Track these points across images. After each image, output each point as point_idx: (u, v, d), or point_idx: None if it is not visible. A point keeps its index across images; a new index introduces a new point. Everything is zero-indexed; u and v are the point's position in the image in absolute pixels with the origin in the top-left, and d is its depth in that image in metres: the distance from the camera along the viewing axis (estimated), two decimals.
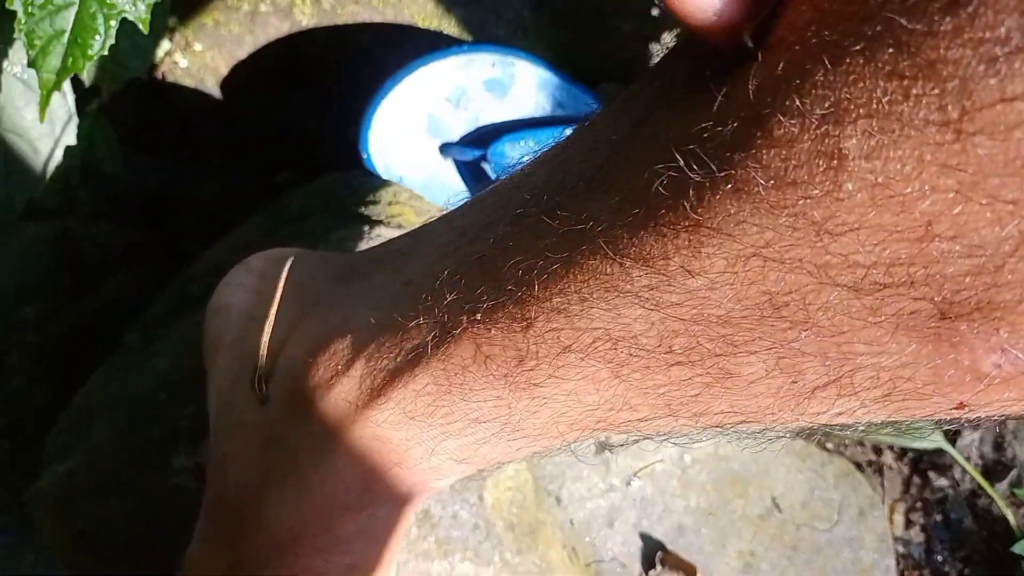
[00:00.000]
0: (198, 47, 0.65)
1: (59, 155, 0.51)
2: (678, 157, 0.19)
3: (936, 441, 0.60)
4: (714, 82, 0.19)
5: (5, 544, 0.52)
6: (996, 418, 0.21)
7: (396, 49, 0.62)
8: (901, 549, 0.64)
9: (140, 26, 0.41)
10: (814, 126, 0.17)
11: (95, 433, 0.42)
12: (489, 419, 0.27)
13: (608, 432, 0.26)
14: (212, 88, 0.68)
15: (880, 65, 0.16)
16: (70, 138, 0.51)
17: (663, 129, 0.21)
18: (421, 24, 0.63)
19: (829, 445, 0.63)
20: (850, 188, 0.17)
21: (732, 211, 0.18)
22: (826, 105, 0.17)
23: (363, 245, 0.45)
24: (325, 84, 0.67)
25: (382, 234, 0.46)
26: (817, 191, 0.17)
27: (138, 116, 0.72)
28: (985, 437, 0.67)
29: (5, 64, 0.48)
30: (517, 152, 0.56)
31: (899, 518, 0.65)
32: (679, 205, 0.19)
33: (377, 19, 0.62)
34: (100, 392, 0.44)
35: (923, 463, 0.66)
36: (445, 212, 0.30)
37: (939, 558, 0.65)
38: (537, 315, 0.24)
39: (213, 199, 0.73)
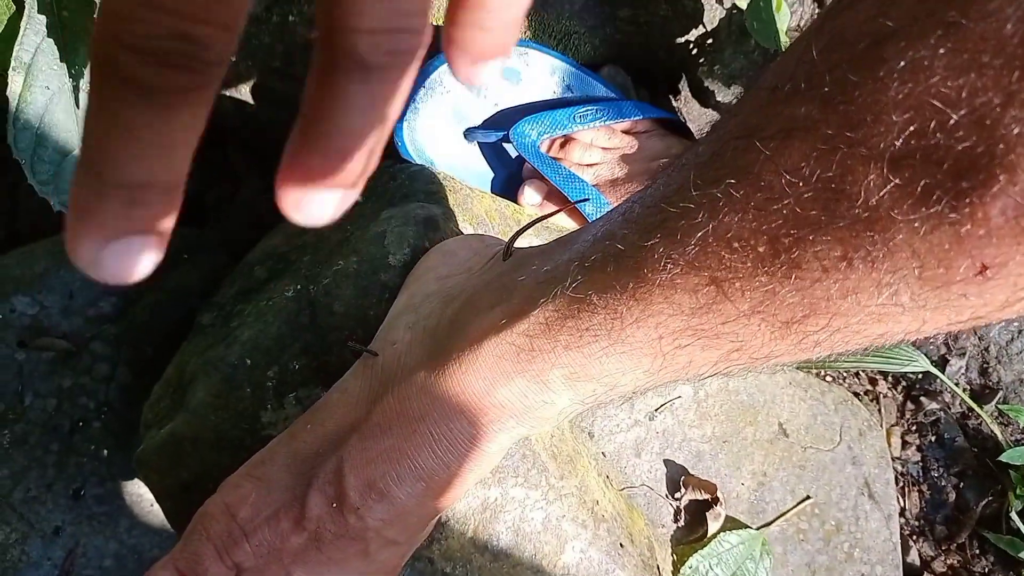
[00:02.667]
0: (233, 58, 0.71)
1: None
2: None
3: (922, 365, 0.66)
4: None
5: (105, 512, 0.59)
6: (1002, 319, 0.27)
7: None
8: (900, 468, 0.71)
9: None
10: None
11: (193, 397, 0.49)
12: (600, 330, 0.34)
13: (696, 345, 0.32)
14: (245, 96, 0.74)
15: None
16: None
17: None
18: (439, 23, 0.69)
19: (828, 378, 0.70)
20: (890, 82, 0.23)
21: (809, 107, 0.25)
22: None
23: (411, 222, 0.52)
24: None
25: (424, 210, 0.53)
26: (863, 95, 0.24)
27: None
28: (971, 364, 0.74)
29: (78, 80, 0.54)
30: (535, 131, 0.62)
31: (896, 440, 0.71)
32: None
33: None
34: (192, 363, 0.51)
35: (915, 390, 0.73)
36: (578, 231, 0.40)
37: (935, 474, 0.71)
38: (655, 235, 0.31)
39: (252, 199, 0.80)
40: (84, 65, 0.53)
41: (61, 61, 0.53)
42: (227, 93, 0.74)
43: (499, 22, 0.22)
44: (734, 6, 0.70)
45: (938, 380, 0.72)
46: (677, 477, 0.58)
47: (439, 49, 0.62)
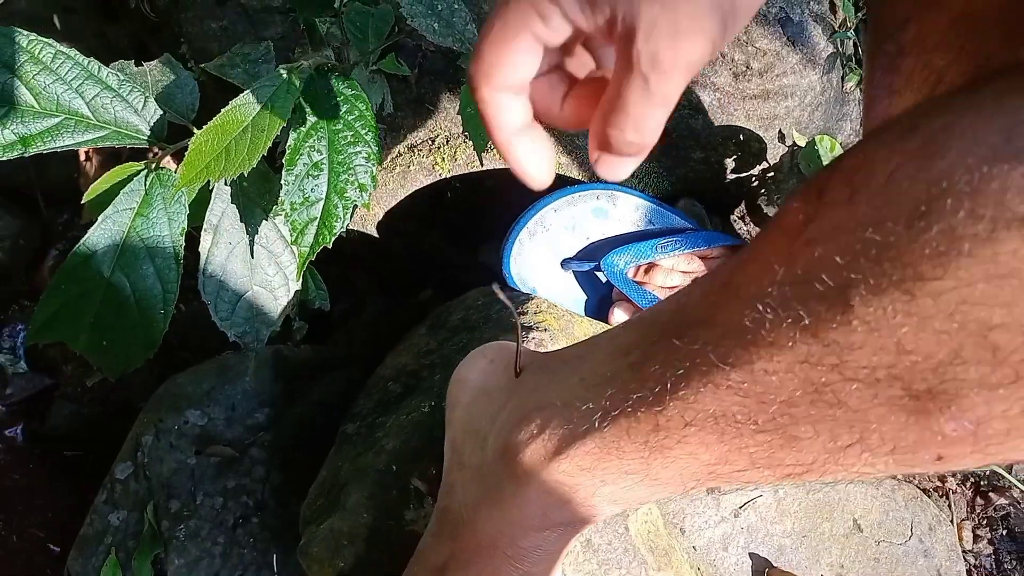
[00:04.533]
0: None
1: (287, 299, 0.70)
2: (758, 306, 0.32)
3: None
4: (775, 260, 0.33)
5: None
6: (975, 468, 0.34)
7: (517, 189, 0.80)
8: (972, 561, 0.76)
9: (364, 208, 0.59)
10: (830, 295, 0.29)
11: (348, 498, 0.59)
12: (635, 472, 0.42)
13: (715, 483, 0.41)
14: (370, 230, 0.87)
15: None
16: (297, 285, 0.69)
17: (745, 287, 0.34)
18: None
19: (898, 475, 0.76)
20: (857, 327, 0.29)
21: (790, 335, 0.31)
22: (837, 281, 0.29)
23: (525, 345, 0.62)
24: (458, 222, 0.85)
25: (535, 336, 0.63)
26: (836, 331, 0.30)
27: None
28: None
29: (257, 239, 0.67)
30: (622, 260, 0.72)
31: (967, 535, 0.76)
32: (758, 332, 0.32)
33: (501, 166, 0.80)
34: (345, 469, 0.61)
35: (983, 486, 0.78)
36: (607, 331, 0.46)
37: (1008, 567, 0.76)
38: (668, 401, 0.38)
39: (375, 317, 0.92)
40: (259, 224, 0.66)
41: (241, 221, 0.65)
42: (353, 227, 0.87)
43: (649, 128, 0.34)
44: (795, 143, 0.79)
45: (1005, 479, 0.77)
46: (762, 569, 0.65)
47: (538, 194, 0.73)
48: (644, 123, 0.34)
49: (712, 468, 0.39)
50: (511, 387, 0.49)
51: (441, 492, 0.52)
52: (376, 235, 0.87)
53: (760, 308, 0.32)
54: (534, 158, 0.39)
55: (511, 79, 0.36)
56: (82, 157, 1.07)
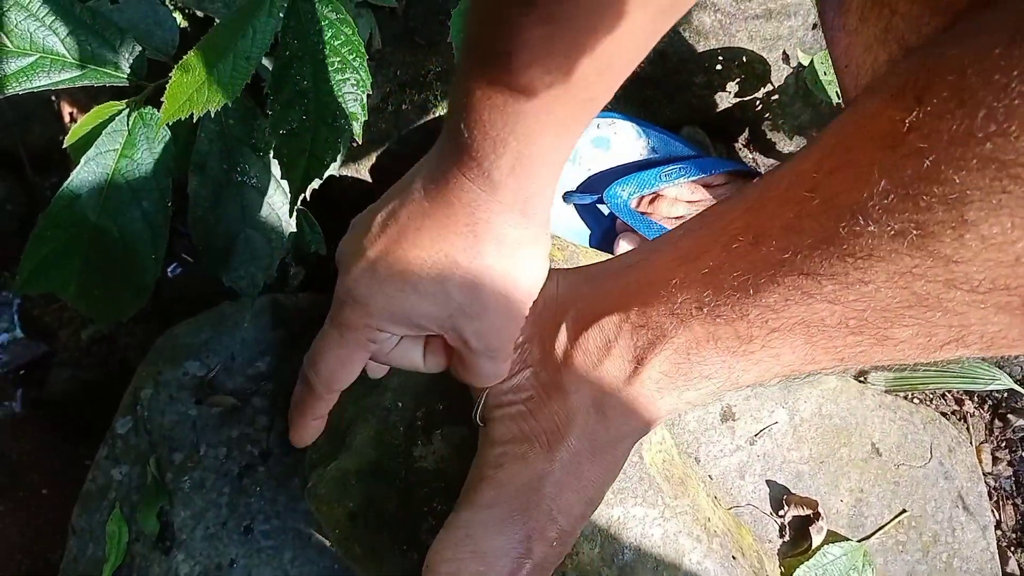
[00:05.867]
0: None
1: (282, 242, 0.68)
2: (857, 217, 0.30)
3: (1005, 382, 0.70)
4: (874, 169, 0.30)
5: (271, 545, 0.67)
6: None
7: None
8: (992, 483, 0.74)
9: (358, 139, 0.57)
10: (942, 210, 0.28)
11: (354, 438, 0.57)
12: (715, 376, 0.41)
13: (793, 378, 0.40)
14: (364, 175, 0.85)
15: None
16: (291, 227, 0.67)
17: (839, 197, 0.32)
18: None
19: (915, 400, 0.74)
20: (971, 241, 0.28)
21: (893, 248, 0.30)
22: (950, 196, 0.27)
23: None
24: None
25: None
26: (947, 245, 0.28)
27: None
28: None
29: (241, 176, 0.64)
30: (625, 192, 0.70)
31: (987, 457, 0.75)
32: (856, 243, 0.31)
33: None
34: (349, 410, 0.60)
35: (1002, 408, 0.76)
36: (662, 236, 0.44)
37: None
38: (751, 309, 0.37)
39: None
40: (247, 163, 0.63)
41: (227, 161, 0.63)
42: (347, 173, 0.85)
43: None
44: (800, 64, 0.77)
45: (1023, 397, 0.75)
46: (780, 496, 0.64)
47: None
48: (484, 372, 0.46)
49: (795, 368, 0.39)
50: (562, 302, 0.47)
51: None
52: (370, 180, 0.85)
53: (860, 219, 0.30)
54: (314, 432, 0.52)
55: (348, 383, 0.47)
56: (66, 118, 1.04)
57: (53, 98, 1.01)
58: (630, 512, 0.56)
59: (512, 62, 0.32)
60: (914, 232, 0.29)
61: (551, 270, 0.47)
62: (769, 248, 0.35)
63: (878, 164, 0.30)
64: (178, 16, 0.77)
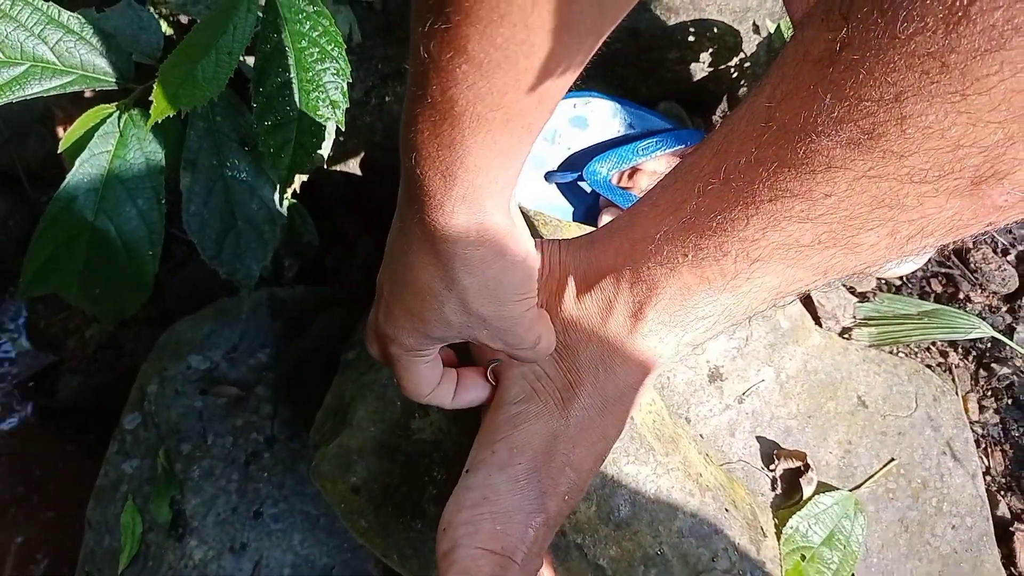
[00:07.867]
0: (341, 138, 0.83)
1: (275, 234, 0.70)
2: (811, 135, 0.33)
3: (985, 331, 0.72)
4: (818, 89, 0.32)
5: (281, 528, 0.70)
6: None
7: None
8: (980, 431, 0.76)
9: (341, 127, 0.59)
10: (882, 111, 0.30)
11: (354, 415, 0.59)
12: (710, 315, 0.45)
13: (781, 303, 0.42)
14: (353, 168, 0.87)
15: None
16: (283, 218, 0.69)
17: (792, 120, 0.34)
18: None
19: (900, 353, 0.76)
20: (913, 134, 0.31)
21: (847, 156, 0.33)
22: (887, 97, 0.30)
23: None
24: None
25: None
26: (892, 142, 0.31)
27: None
28: None
29: (231, 171, 0.66)
30: (604, 168, 0.72)
31: (973, 406, 0.76)
32: (814, 159, 0.34)
33: None
34: (349, 389, 0.62)
35: (986, 358, 0.78)
36: (644, 196, 0.46)
37: (1016, 434, 0.76)
38: (732, 246, 0.40)
39: (367, 257, 0.92)
40: (236, 158, 0.65)
41: (216, 156, 0.65)
42: (337, 168, 0.87)
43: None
44: (770, 33, 0.79)
45: (1007, 347, 0.77)
46: (770, 451, 0.65)
47: None
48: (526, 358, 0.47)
49: (782, 291, 0.42)
50: (563, 270, 0.50)
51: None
52: (359, 173, 0.87)
53: (813, 136, 0.33)
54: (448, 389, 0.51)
55: (433, 384, 0.49)
56: (60, 133, 1.07)
57: (52, 109, 1.03)
58: (623, 471, 0.58)
59: (454, 108, 0.34)
60: (863, 137, 0.32)
61: (554, 240, 0.50)
62: (740, 183, 0.37)
63: (821, 83, 0.32)
64: (163, 24, 0.79)
